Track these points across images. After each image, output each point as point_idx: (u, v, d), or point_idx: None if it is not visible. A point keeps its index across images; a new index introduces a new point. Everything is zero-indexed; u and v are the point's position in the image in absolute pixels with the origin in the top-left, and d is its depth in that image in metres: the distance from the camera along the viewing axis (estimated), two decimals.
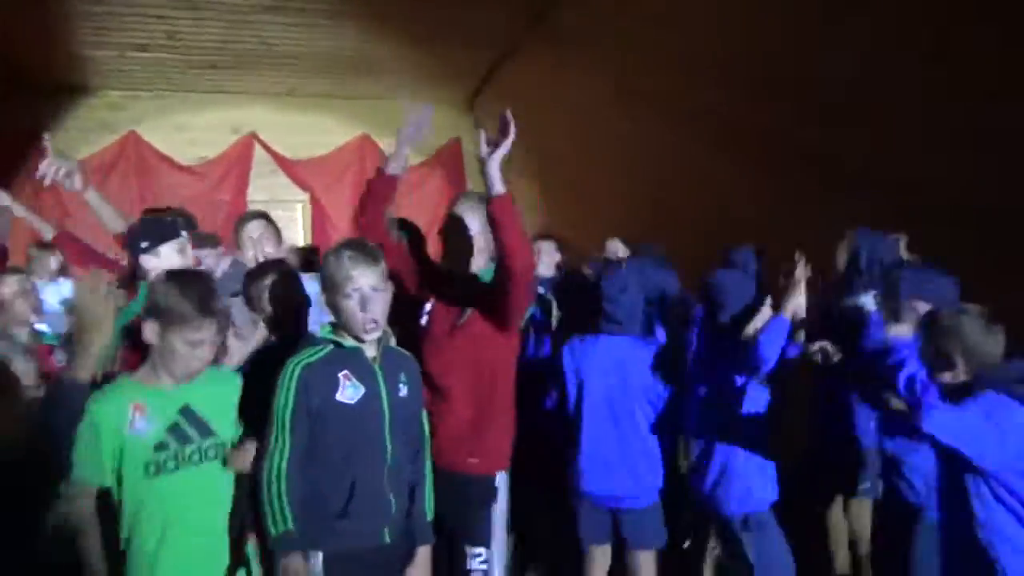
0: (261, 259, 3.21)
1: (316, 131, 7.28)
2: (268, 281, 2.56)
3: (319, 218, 7.27)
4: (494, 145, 2.29)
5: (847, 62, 3.35)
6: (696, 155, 4.64)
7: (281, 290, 2.55)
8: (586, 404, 2.96)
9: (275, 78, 6.78)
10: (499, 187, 2.27)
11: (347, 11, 5.38)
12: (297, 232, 7.26)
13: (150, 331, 1.97)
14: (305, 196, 7.36)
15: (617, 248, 4.38)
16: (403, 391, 2.19)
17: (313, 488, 2.05)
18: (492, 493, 2.51)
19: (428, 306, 2.64)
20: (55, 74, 6.54)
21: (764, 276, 3.21)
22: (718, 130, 4.35)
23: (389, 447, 2.13)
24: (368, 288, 2.08)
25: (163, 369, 2.01)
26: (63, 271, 4.50)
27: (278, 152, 7.21)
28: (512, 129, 2.27)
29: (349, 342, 2.13)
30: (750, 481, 2.77)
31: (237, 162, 7.15)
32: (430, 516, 2.26)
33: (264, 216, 3.53)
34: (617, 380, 2.93)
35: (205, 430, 2.06)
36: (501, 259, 2.34)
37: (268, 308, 2.56)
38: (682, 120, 4.65)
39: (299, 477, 2.02)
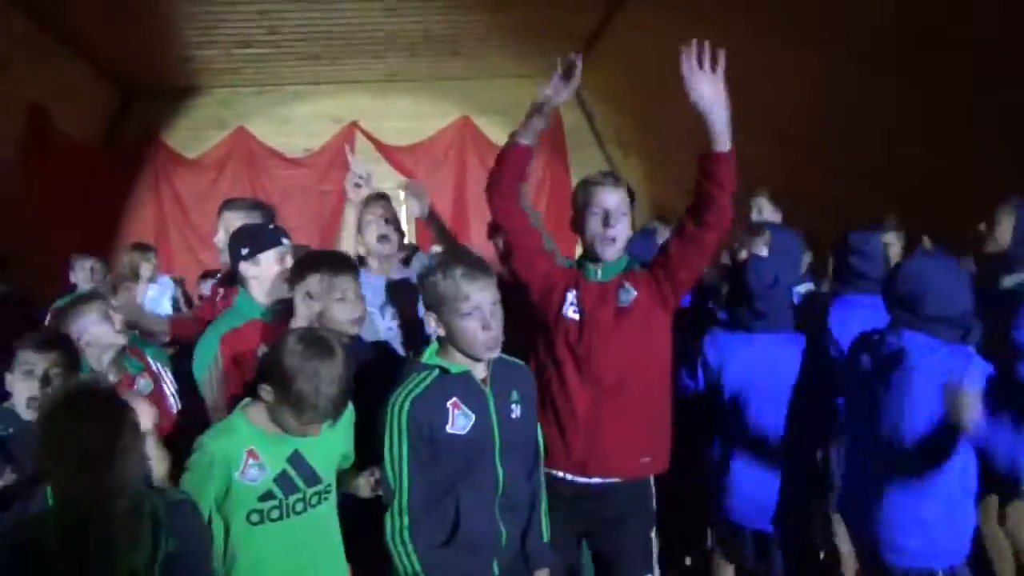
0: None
1: (416, 116, 7.24)
2: None
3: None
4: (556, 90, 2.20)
5: None
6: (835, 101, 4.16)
7: None
8: (735, 409, 2.63)
9: (373, 64, 6.76)
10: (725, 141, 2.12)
11: None
12: (400, 217, 7.26)
13: (265, 392, 1.86)
14: (405, 182, 7.34)
15: (762, 205, 3.88)
16: (516, 412, 2.02)
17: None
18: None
19: (571, 294, 2.33)
20: (165, 78, 6.77)
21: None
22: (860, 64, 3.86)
23: (500, 474, 1.98)
24: (489, 305, 1.92)
25: (278, 420, 1.90)
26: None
27: (379, 139, 7.21)
28: (578, 71, 2.16)
29: (456, 366, 1.96)
30: (945, 535, 2.17)
31: (340, 152, 7.19)
32: (546, 537, 2.10)
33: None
34: (770, 384, 2.57)
35: (312, 478, 1.94)
36: (706, 219, 2.14)
37: None
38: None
39: (424, 517, 1.90)
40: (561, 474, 2.26)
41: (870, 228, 3.05)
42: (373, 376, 2.13)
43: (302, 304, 2.19)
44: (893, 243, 3.24)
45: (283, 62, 6.55)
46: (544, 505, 2.12)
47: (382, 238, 2.83)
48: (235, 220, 2.76)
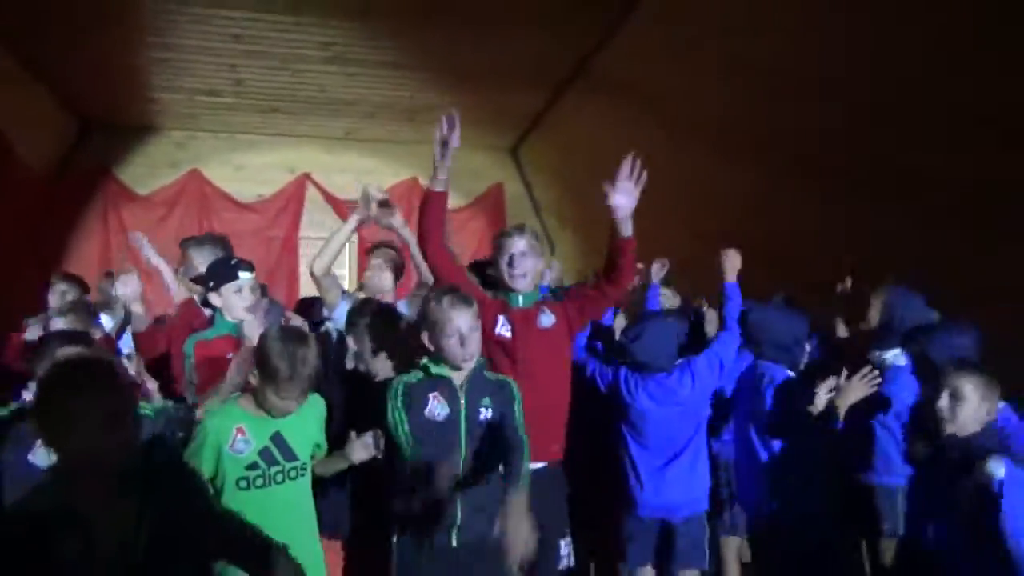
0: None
1: (367, 173, 7.58)
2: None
3: (363, 250, 7.55)
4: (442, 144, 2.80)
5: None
6: (759, 188, 4.72)
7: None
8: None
9: (330, 122, 7.16)
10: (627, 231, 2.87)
11: (398, 62, 5.73)
12: (345, 267, 7.55)
13: (252, 377, 2.36)
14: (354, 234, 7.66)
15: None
16: (485, 414, 2.57)
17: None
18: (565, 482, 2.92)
19: (501, 318, 2.93)
20: (125, 115, 6.99)
21: None
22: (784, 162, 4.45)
23: (463, 457, 2.51)
24: (466, 328, 2.51)
25: (263, 404, 2.38)
26: None
27: (330, 192, 7.54)
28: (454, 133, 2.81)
29: (440, 370, 2.56)
30: None
31: (291, 200, 7.50)
32: (523, 482, 2.46)
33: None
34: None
35: (290, 455, 2.43)
36: (614, 284, 2.90)
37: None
38: (738, 152, 4.74)
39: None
40: None
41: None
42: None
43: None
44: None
45: (244, 112, 6.86)
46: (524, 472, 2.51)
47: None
48: (196, 255, 3.33)
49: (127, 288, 3.34)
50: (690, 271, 4.39)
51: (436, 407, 2.53)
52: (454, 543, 2.50)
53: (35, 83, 6.09)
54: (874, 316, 3.48)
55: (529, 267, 2.95)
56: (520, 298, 2.97)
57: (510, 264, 2.94)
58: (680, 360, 3.28)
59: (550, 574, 2.82)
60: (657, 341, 3.20)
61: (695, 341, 3.58)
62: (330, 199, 7.55)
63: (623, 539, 3.29)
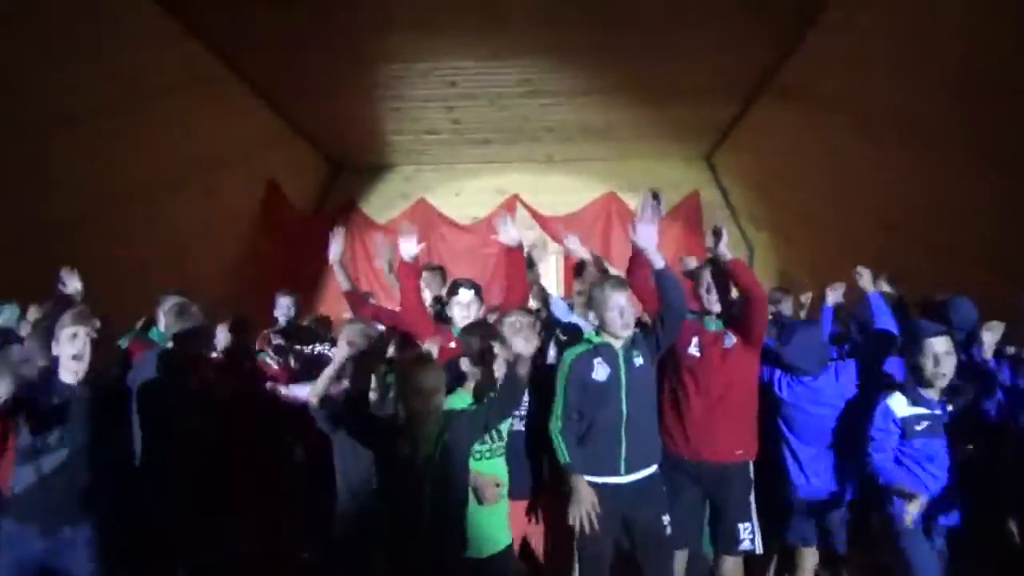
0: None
1: (568, 191, 8.29)
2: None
3: (569, 266, 8.19)
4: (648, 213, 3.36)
5: None
6: (952, 185, 4.63)
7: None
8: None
9: (534, 147, 7.92)
10: (726, 254, 3.39)
11: (591, 88, 6.28)
12: (551, 278, 8.23)
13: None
14: (559, 248, 8.33)
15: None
16: (638, 362, 3.20)
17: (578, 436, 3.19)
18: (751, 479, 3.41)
19: (695, 339, 3.45)
20: (366, 157, 8.26)
21: None
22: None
23: (624, 408, 3.15)
24: (624, 304, 3.19)
25: None
26: None
27: (536, 210, 8.29)
28: (658, 211, 3.45)
29: (601, 340, 3.23)
30: None
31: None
32: None
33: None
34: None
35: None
36: (746, 299, 3.33)
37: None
38: (928, 149, 4.68)
39: (568, 427, 3.19)
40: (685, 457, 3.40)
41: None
42: None
43: None
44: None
45: (460, 146, 7.83)
46: None
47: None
48: (429, 278, 4.19)
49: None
50: (885, 266, 4.46)
51: (599, 370, 3.16)
52: (624, 480, 3.11)
53: (298, 138, 7.46)
54: None
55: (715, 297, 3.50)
56: (713, 323, 3.48)
57: (708, 291, 3.49)
58: (831, 363, 3.53)
59: (730, 551, 3.38)
60: (805, 347, 3.46)
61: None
62: (537, 217, 8.28)
63: (783, 520, 3.58)
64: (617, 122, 7.07)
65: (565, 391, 3.20)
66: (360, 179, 8.55)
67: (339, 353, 3.03)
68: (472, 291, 3.76)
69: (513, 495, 3.22)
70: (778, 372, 3.54)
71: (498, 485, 3.07)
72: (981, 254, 4.58)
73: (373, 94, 6.36)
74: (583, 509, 3.02)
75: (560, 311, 4.10)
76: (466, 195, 8.53)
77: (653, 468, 3.22)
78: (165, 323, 4.08)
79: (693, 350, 3.43)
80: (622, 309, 3.20)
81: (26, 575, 2.80)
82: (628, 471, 3.14)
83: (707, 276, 3.50)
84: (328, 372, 2.97)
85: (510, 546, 3.13)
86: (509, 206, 8.35)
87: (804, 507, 3.50)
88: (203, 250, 6.46)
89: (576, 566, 3.19)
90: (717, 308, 3.49)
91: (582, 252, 4.28)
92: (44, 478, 2.79)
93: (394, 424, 2.76)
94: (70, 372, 2.92)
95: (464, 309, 3.71)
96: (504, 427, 3.16)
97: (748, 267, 3.49)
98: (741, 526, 3.34)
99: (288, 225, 7.74)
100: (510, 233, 3.69)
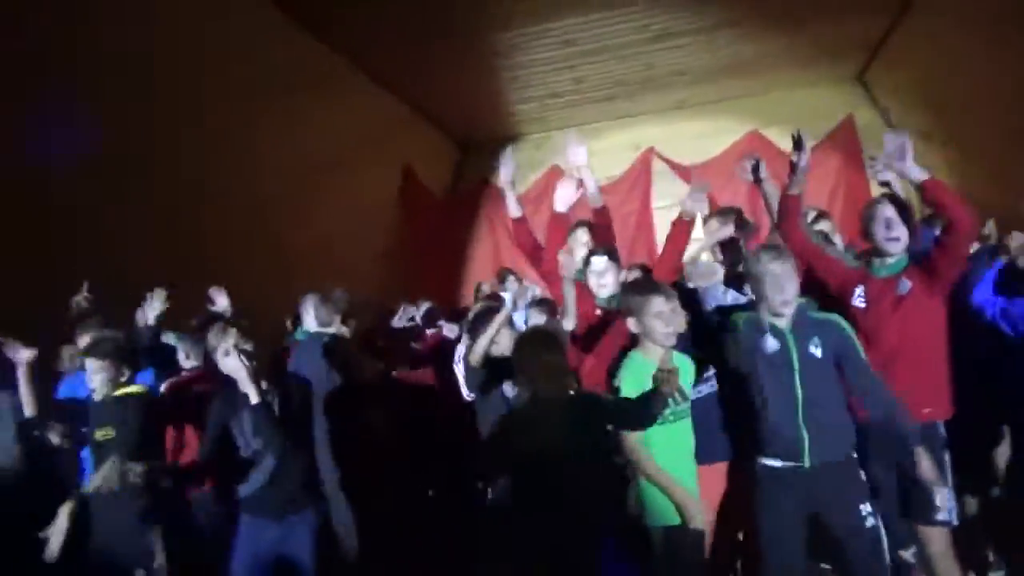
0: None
1: (706, 136, 7.78)
2: None
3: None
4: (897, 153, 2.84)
5: None
6: None
7: None
8: None
9: (664, 96, 7.49)
10: (918, 174, 2.82)
11: (718, 22, 5.80)
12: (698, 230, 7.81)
13: None
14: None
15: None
16: (816, 352, 2.78)
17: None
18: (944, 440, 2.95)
19: (859, 289, 3.06)
20: (493, 131, 8.17)
21: None
22: None
23: (800, 393, 2.75)
24: (778, 273, 2.77)
25: None
26: None
27: (673, 160, 7.87)
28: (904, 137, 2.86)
29: (760, 319, 2.87)
30: None
31: (640, 176, 8.00)
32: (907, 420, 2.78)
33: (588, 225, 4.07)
34: None
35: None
36: (948, 228, 2.84)
37: None
38: None
39: None
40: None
41: None
42: None
43: None
44: None
45: (586, 105, 7.55)
46: None
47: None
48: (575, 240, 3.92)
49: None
50: None
51: (769, 344, 2.81)
52: (807, 464, 2.74)
53: (424, 121, 7.50)
54: None
55: (902, 232, 2.99)
56: (883, 268, 3.04)
57: (888, 227, 2.99)
58: None
59: (926, 520, 2.92)
60: None
61: None
62: (675, 167, 7.87)
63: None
64: (753, 54, 6.52)
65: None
66: (488, 155, 8.46)
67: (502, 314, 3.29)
68: (605, 257, 3.51)
69: (702, 459, 3.04)
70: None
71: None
72: None
73: (492, 64, 6.24)
74: None
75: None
76: (599, 155, 8.21)
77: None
78: (312, 318, 4.20)
79: (858, 301, 3.01)
80: (776, 281, 2.79)
81: (259, 563, 3.16)
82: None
83: (884, 210, 3.01)
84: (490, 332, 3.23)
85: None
86: (645, 161, 8.01)
87: None
88: (348, 246, 6.65)
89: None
90: (898, 248, 3.00)
91: (702, 208, 3.72)
92: (272, 477, 3.17)
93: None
94: (248, 387, 3.05)
95: (599, 277, 3.49)
96: (687, 385, 2.96)
97: (949, 187, 2.87)
98: (937, 492, 2.83)
99: (427, 209, 7.84)
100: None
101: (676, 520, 2.86)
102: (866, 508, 2.75)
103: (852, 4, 5.56)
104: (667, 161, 7.91)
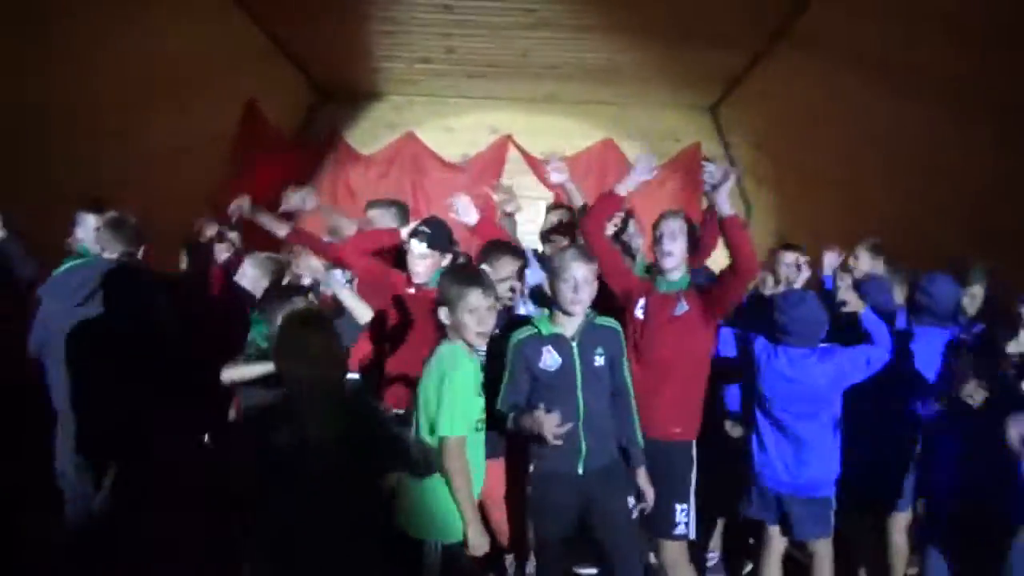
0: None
1: (564, 135, 7.87)
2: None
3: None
4: (718, 182, 2.94)
5: None
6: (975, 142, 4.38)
7: None
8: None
9: (533, 85, 7.48)
10: (726, 209, 2.95)
11: (597, 24, 5.85)
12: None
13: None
14: (550, 194, 7.99)
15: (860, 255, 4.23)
16: (598, 360, 2.87)
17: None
18: (691, 459, 3.11)
19: (641, 300, 3.17)
20: (354, 84, 7.78)
21: None
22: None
23: (581, 402, 2.84)
24: (580, 278, 2.80)
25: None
26: None
27: (528, 153, 7.91)
28: (732, 173, 2.97)
29: (548, 329, 2.90)
30: None
31: (493, 161, 7.96)
32: (640, 445, 2.95)
33: None
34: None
35: None
36: (733, 265, 2.99)
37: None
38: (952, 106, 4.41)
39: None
40: None
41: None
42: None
43: None
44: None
45: (454, 77, 7.37)
46: (635, 427, 2.96)
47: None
48: (378, 217, 3.99)
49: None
50: (892, 231, 4.22)
51: (549, 359, 2.85)
52: (580, 472, 2.84)
53: (281, 57, 6.97)
54: None
55: (678, 249, 3.13)
56: (664, 284, 3.18)
57: (662, 241, 3.15)
58: (825, 344, 3.20)
59: (665, 534, 3.13)
60: (812, 314, 3.15)
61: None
62: (530, 160, 7.90)
63: (748, 508, 3.36)
64: (622, 64, 6.66)
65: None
66: (346, 108, 8.09)
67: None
68: (425, 244, 3.36)
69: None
70: (761, 340, 3.24)
71: None
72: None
73: (366, 12, 5.89)
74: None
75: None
76: (458, 132, 8.11)
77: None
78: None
79: (638, 312, 3.14)
80: (578, 283, 2.82)
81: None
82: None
83: (666, 224, 3.15)
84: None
85: None
86: (501, 147, 7.98)
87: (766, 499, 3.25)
88: (172, 172, 6.05)
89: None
90: (671, 263, 3.14)
91: (568, 184, 3.88)
92: None
93: None
94: None
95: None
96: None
97: (745, 228, 3.10)
98: (678, 507, 3.06)
99: (266, 147, 7.29)
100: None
101: (457, 538, 2.66)
102: (631, 501, 2.94)
103: (720, 38, 5.80)
104: (522, 151, 7.92)
